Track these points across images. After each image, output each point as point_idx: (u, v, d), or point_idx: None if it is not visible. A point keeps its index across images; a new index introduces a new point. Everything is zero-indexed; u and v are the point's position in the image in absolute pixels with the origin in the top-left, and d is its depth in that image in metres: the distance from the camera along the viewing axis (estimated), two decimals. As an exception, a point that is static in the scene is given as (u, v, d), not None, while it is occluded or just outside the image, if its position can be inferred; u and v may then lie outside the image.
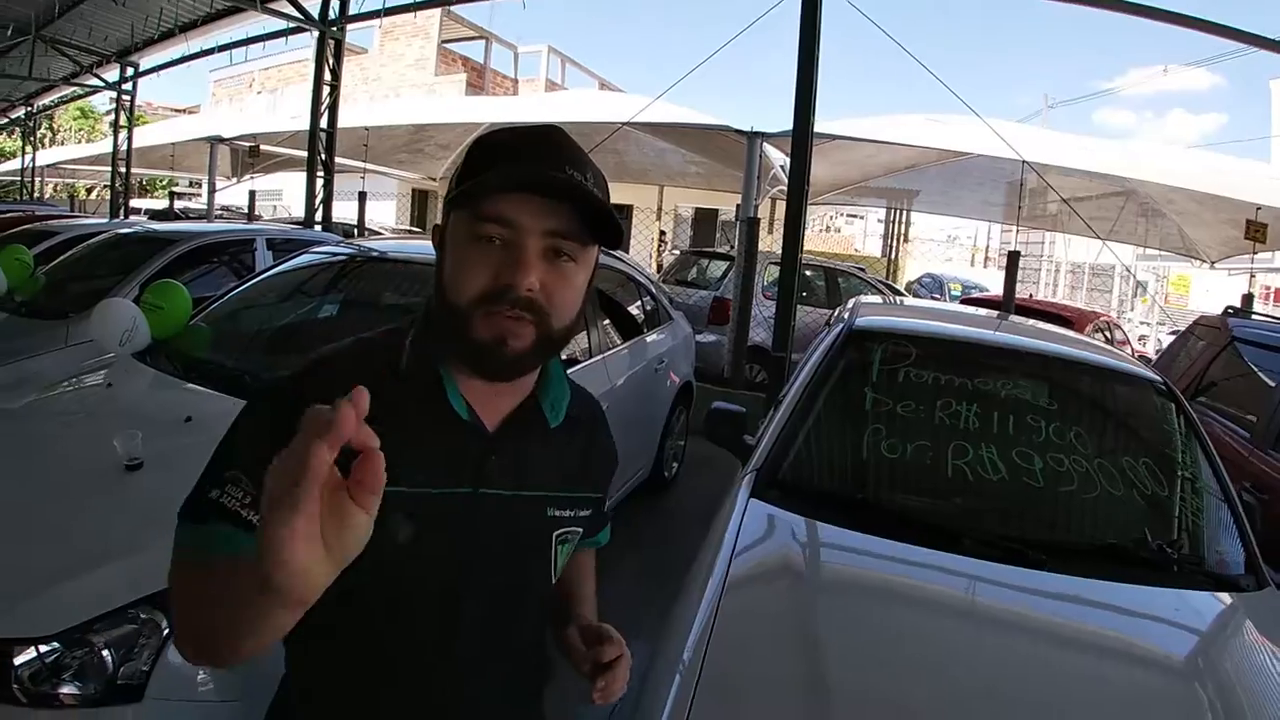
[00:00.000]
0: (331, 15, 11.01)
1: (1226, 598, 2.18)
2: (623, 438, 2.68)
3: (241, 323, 3.67)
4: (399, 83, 23.25)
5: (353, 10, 11.21)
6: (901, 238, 21.22)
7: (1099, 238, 9.79)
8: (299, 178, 12.02)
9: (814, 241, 30.73)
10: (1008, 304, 6.67)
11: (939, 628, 1.99)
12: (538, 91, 23.98)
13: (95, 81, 15.81)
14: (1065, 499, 2.40)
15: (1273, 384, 4.24)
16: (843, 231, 37.44)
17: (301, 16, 10.76)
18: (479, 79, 24.49)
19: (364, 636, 1.02)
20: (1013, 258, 6.47)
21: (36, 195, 20.61)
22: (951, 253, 36.89)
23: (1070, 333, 3.93)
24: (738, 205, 8.61)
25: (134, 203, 19.41)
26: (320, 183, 11.17)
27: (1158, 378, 3.00)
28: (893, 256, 20.75)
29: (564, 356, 1.25)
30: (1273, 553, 3.23)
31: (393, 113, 16.12)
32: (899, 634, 1.93)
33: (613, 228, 0.99)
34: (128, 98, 15.32)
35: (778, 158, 9.87)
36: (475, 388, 1.03)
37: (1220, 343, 4.99)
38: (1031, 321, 4.17)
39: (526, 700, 1.20)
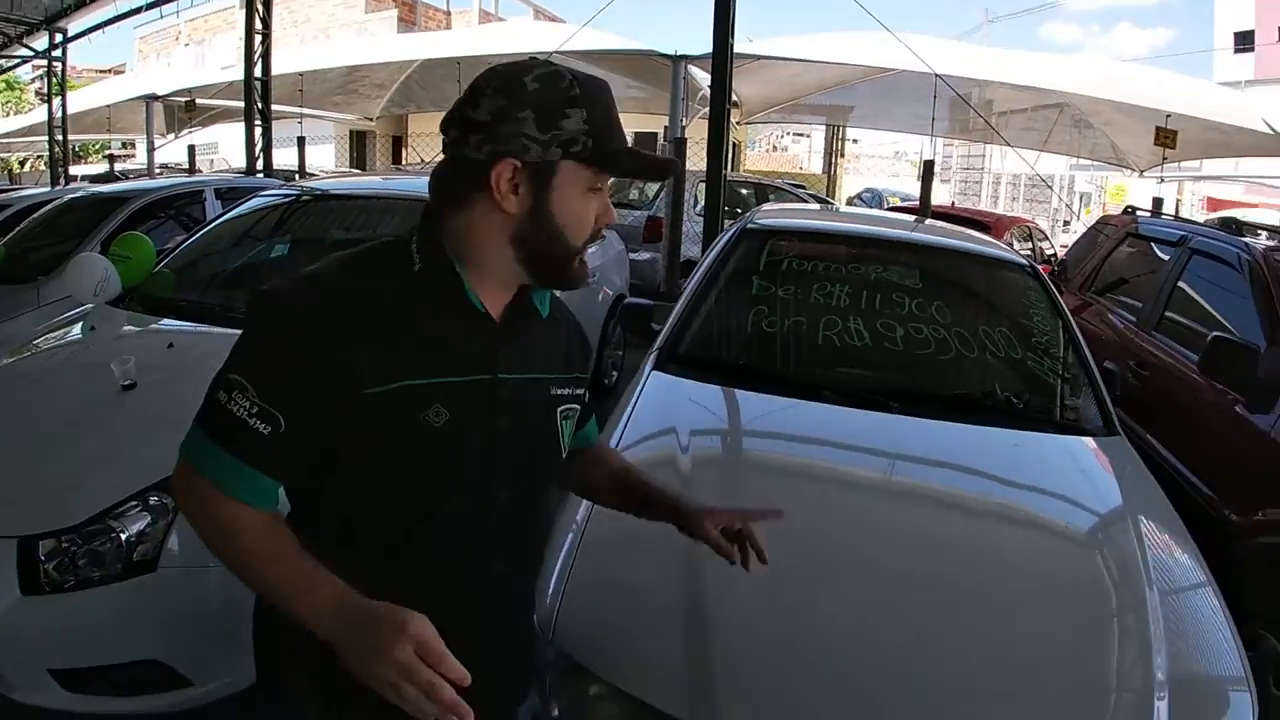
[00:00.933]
0: None
1: (1067, 438, 2.56)
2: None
3: (202, 266, 3.92)
4: (328, 23, 22.77)
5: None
6: (839, 154, 21.46)
7: (1009, 144, 10.09)
8: (236, 129, 11.99)
9: (761, 161, 30.75)
10: (924, 210, 7.07)
11: (799, 459, 2.47)
12: (471, 24, 23.58)
13: (24, 52, 15.52)
14: (922, 359, 2.77)
15: (1157, 273, 4.61)
16: (789, 150, 37.57)
17: None
18: (410, 14, 23.91)
19: (404, 524, 1.11)
20: (928, 167, 6.91)
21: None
22: (898, 168, 37.14)
23: (952, 227, 4.31)
24: (665, 127, 8.86)
25: (72, 169, 19.05)
26: (259, 131, 11.20)
27: (1023, 261, 3.43)
28: (831, 172, 21.08)
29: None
30: (1158, 424, 3.71)
31: (325, 56, 15.82)
32: (765, 466, 2.40)
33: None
34: (59, 65, 14.93)
35: (706, 79, 10.07)
36: (484, 285, 1.13)
37: (1118, 238, 5.38)
38: (929, 221, 4.61)
39: (533, 569, 1.39)
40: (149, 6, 13.47)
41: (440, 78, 14.17)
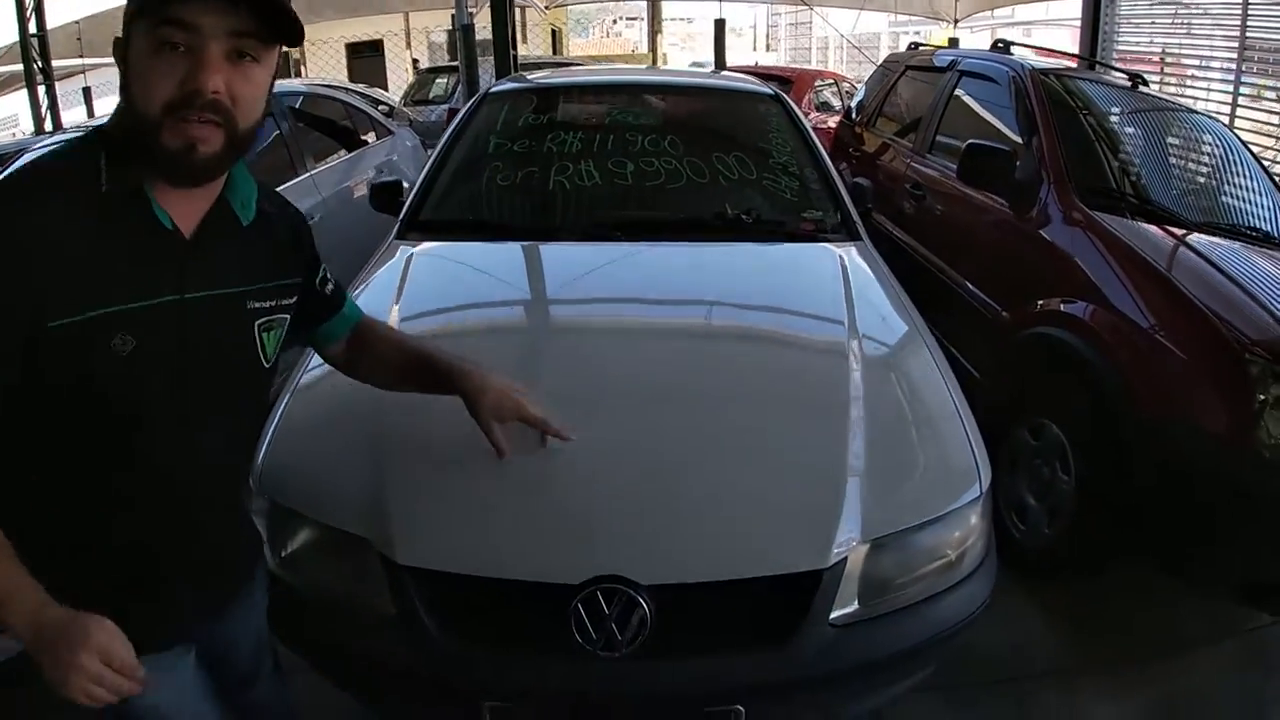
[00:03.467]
0: None
1: (802, 245, 2.62)
2: (346, 243, 2.77)
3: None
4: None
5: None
6: (658, 31, 21.07)
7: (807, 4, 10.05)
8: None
9: (597, 46, 30.15)
10: (719, 67, 6.97)
11: (524, 295, 2.47)
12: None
13: None
14: (651, 191, 2.76)
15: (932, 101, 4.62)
16: (624, 35, 36.97)
17: None
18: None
19: (103, 459, 1.06)
20: (719, 25, 6.75)
21: None
22: (733, 41, 36.96)
23: (701, 71, 4.29)
24: (452, 16, 8.42)
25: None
26: (42, 91, 10.16)
27: (766, 90, 3.42)
28: (651, 50, 20.72)
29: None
30: (934, 241, 3.77)
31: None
32: (490, 304, 2.44)
33: (292, 26, 1.02)
34: None
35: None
36: (171, 197, 1.03)
37: (898, 73, 5.40)
38: (685, 69, 4.49)
39: (241, 485, 1.35)
40: None
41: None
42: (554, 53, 16.39)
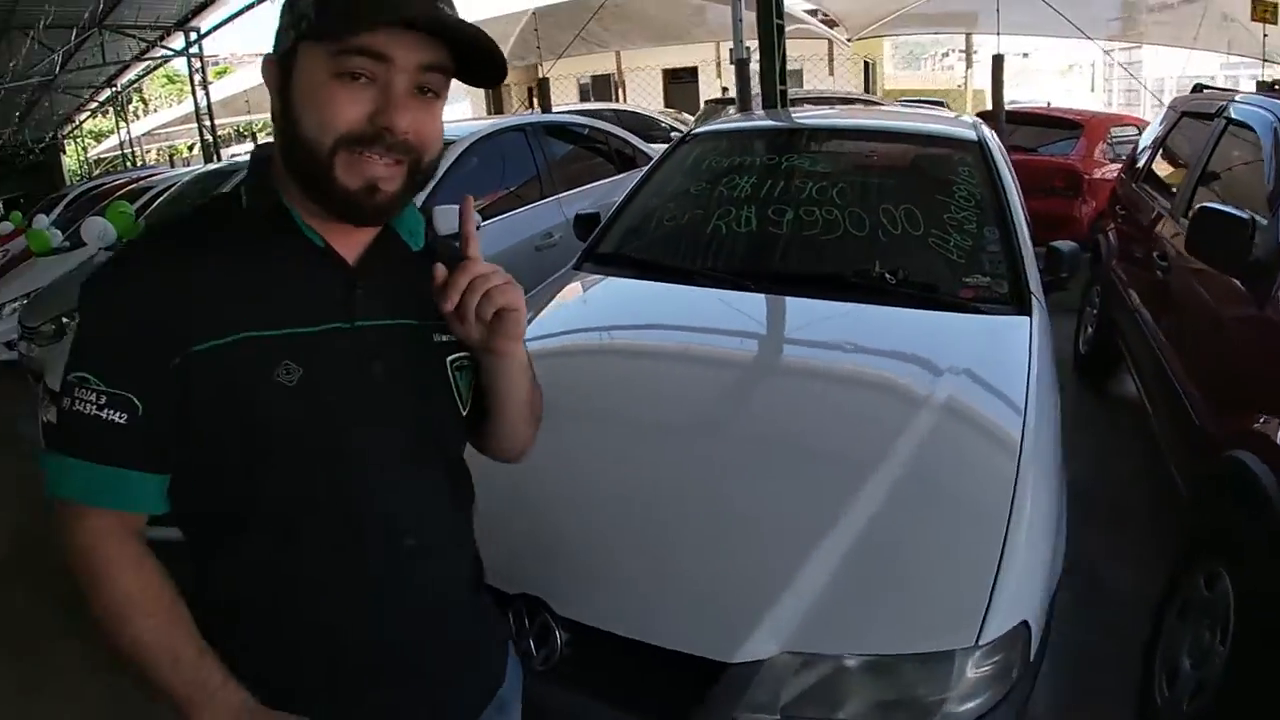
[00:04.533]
0: None
1: (946, 315, 2.39)
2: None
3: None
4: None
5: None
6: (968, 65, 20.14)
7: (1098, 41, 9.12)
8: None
9: (923, 80, 29.31)
10: (996, 110, 6.60)
11: (665, 339, 2.51)
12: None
13: (165, 52, 17.14)
14: (802, 242, 2.71)
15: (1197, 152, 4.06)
16: (955, 69, 35.77)
17: None
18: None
19: (278, 524, 0.95)
20: (996, 61, 6.40)
21: (141, 163, 22.42)
22: (1070, 82, 34.44)
23: (905, 112, 4.09)
24: (737, 45, 8.61)
25: (232, 149, 20.84)
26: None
27: (964, 135, 3.16)
28: (963, 86, 19.84)
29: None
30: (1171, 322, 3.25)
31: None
32: (625, 349, 2.52)
33: (497, 68, 0.96)
34: (198, 60, 16.52)
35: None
36: (321, 217, 0.95)
37: (1174, 120, 4.72)
38: (899, 109, 4.31)
39: (463, 543, 1.14)
40: (258, 2, 14.38)
41: (552, 26, 14.33)
42: (866, 87, 16.11)
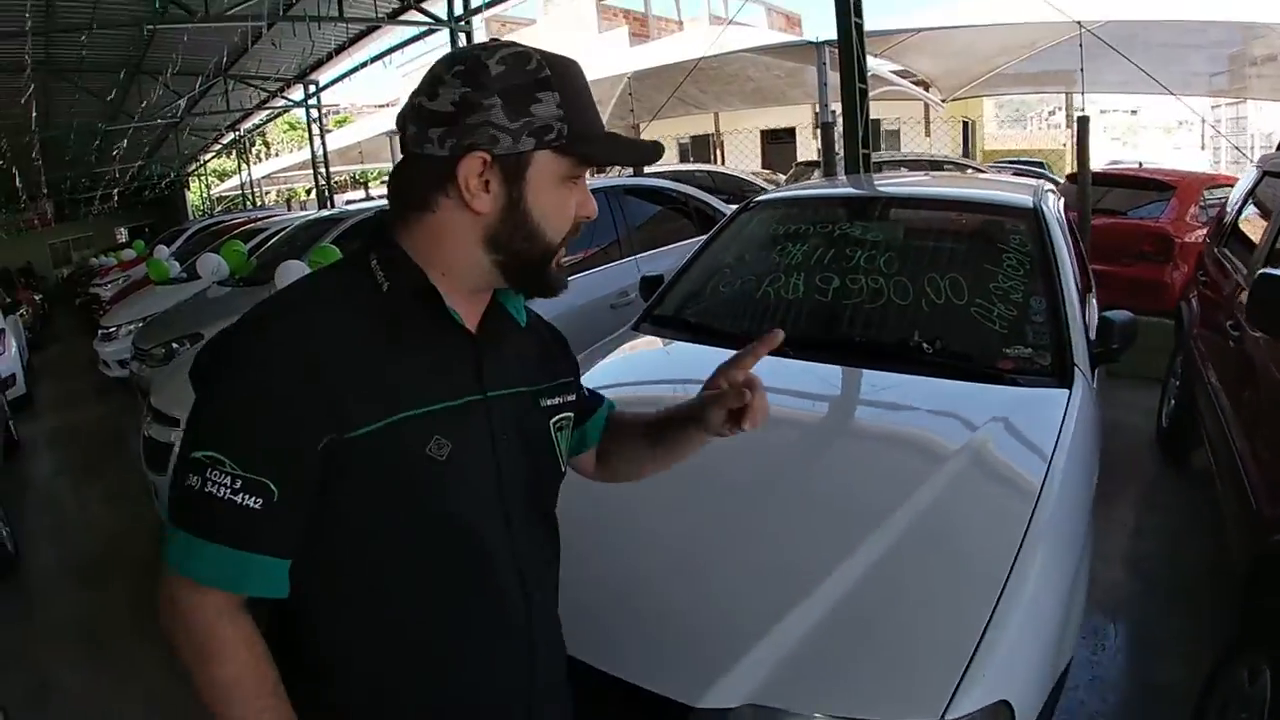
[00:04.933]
0: (457, 12, 12.87)
1: (982, 386, 2.39)
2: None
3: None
4: (564, 48, 24.31)
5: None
6: (1072, 124, 19.70)
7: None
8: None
9: (1028, 139, 28.86)
10: (1082, 175, 6.51)
11: (671, 386, 2.64)
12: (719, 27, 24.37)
13: (285, 102, 18.59)
14: (845, 310, 2.80)
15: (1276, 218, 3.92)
16: (1062, 128, 35.16)
17: (432, 20, 12.78)
18: (642, 27, 24.79)
19: (436, 576, 1.01)
20: (1081, 123, 6.33)
21: (260, 203, 23.87)
22: (1179, 138, 33.34)
23: (963, 178, 4.09)
24: (823, 109, 8.75)
25: (346, 196, 22.06)
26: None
27: (1020, 203, 3.13)
28: (1076, 144, 19.38)
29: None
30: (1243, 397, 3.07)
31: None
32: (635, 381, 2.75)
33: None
34: (315, 111, 17.93)
35: (871, 63, 9.85)
36: (456, 296, 1.02)
37: (1256, 179, 4.52)
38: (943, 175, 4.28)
39: (556, 594, 1.21)
40: (371, 61, 15.55)
41: (650, 87, 14.72)
42: (964, 147, 15.97)
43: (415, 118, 0.98)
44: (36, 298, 17.06)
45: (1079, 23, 7.10)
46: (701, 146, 21.62)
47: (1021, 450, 2.11)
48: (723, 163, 17.73)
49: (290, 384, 0.89)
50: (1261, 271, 2.71)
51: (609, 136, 1.04)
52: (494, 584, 1.05)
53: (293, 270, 7.12)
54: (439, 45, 13.65)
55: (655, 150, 1.09)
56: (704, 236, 5.26)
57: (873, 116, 19.46)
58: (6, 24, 9.01)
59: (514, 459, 1.07)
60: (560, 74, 0.98)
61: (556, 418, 1.17)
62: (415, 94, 0.99)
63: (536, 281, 1.04)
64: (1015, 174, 10.69)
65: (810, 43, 9.36)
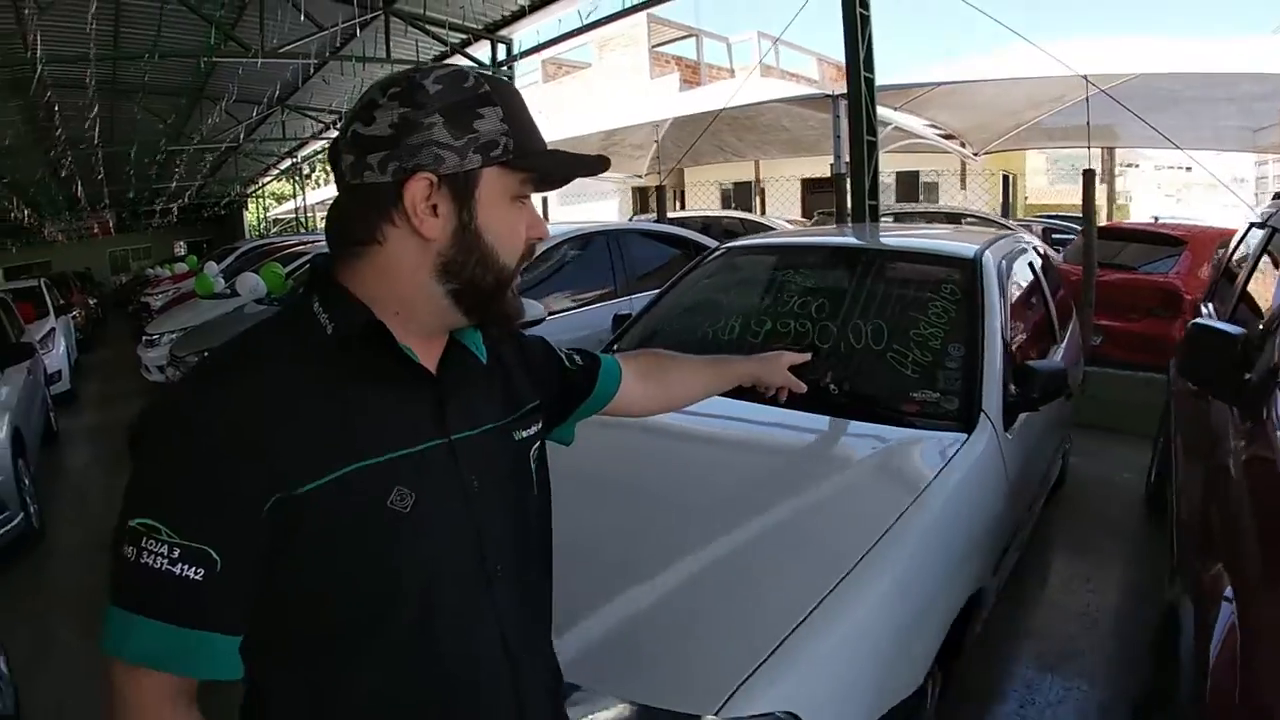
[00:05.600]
0: (500, 58, 13.17)
1: (872, 426, 2.52)
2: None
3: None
4: (617, 93, 24.72)
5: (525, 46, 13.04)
6: (1110, 181, 19.54)
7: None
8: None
9: (1074, 194, 28.61)
10: (1087, 224, 6.54)
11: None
12: (753, 78, 24.55)
13: (337, 134, 19.04)
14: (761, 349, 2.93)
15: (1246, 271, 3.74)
16: (1116, 184, 34.89)
17: (475, 66, 12.93)
18: (694, 75, 25.00)
19: (401, 637, 0.93)
20: (1087, 176, 6.40)
21: (313, 228, 24.66)
22: (1230, 196, 32.62)
23: (921, 229, 4.22)
24: (837, 160, 8.89)
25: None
26: None
27: (961, 254, 3.19)
28: (1111, 198, 19.30)
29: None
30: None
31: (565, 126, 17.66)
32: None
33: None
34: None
35: (889, 115, 10.02)
36: (411, 335, 0.96)
37: (1243, 232, 4.43)
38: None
39: (548, 633, 1.17)
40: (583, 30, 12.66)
41: (689, 134, 15.02)
42: (1004, 202, 15.94)
43: (351, 146, 0.92)
44: (91, 302, 17.76)
45: (1085, 77, 7.12)
46: (744, 193, 21.87)
47: (889, 487, 2.20)
48: (762, 210, 17.91)
49: (230, 442, 0.83)
50: (1194, 321, 2.65)
51: (554, 152, 0.99)
52: (469, 651, 0.98)
53: (248, 281, 8.19)
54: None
55: (600, 163, 1.03)
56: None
57: (912, 169, 19.64)
58: (72, 46, 9.57)
59: (494, 505, 1.01)
60: (499, 90, 0.94)
61: (534, 448, 1.12)
62: (348, 123, 0.94)
63: (493, 311, 0.98)
64: (1035, 230, 10.69)
65: (828, 95, 9.55)
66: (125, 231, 31.72)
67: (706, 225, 10.46)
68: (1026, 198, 21.64)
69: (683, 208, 18.96)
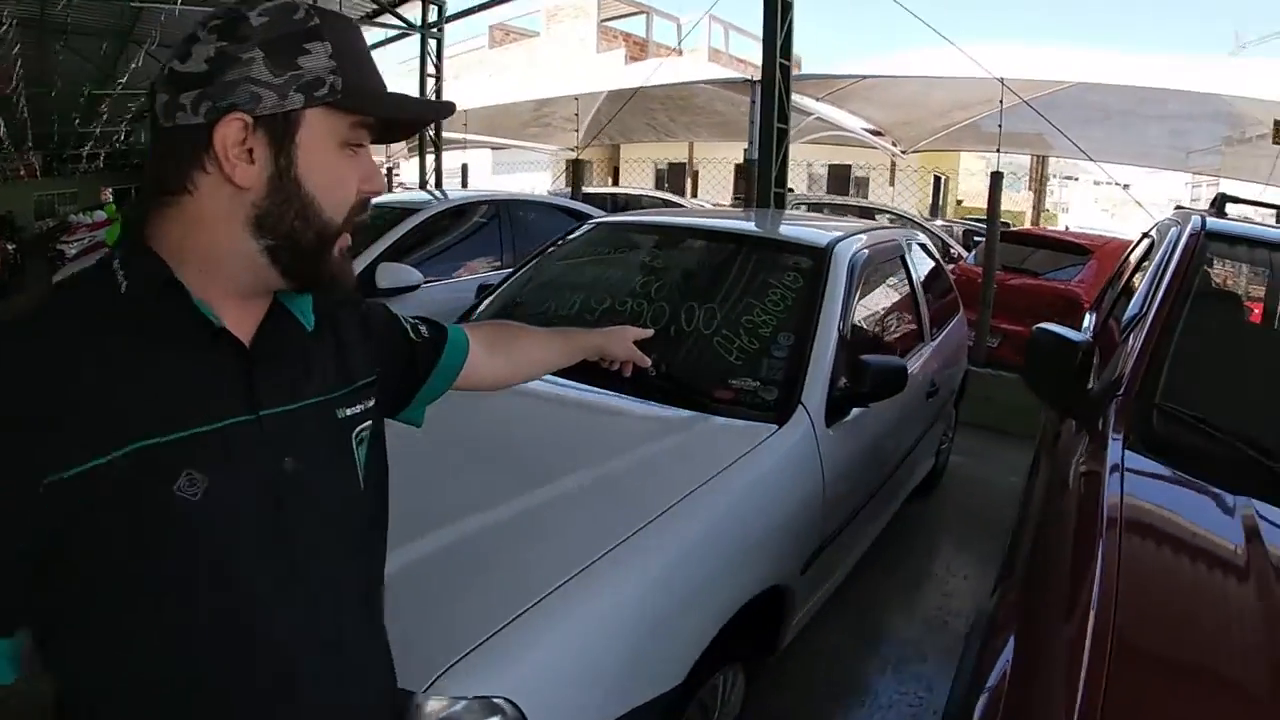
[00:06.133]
0: (430, 19, 13.04)
1: (685, 414, 2.46)
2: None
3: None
4: (563, 64, 24.48)
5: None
6: (1036, 189, 20.00)
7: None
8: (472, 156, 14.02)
9: (1011, 201, 29.20)
10: (990, 228, 6.62)
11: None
12: (700, 61, 24.52)
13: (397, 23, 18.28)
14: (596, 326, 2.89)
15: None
16: (1056, 193, 35.71)
17: (404, 25, 12.98)
18: (641, 52, 24.93)
19: (188, 642, 0.84)
20: (994, 179, 6.47)
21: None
22: (1162, 214, 33.64)
23: (813, 219, 4.20)
24: (750, 145, 8.83)
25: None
26: (431, 158, 13.42)
27: (814, 243, 3.12)
28: (1038, 207, 19.80)
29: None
30: None
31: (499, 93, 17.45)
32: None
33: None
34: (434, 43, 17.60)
35: (811, 104, 10.04)
36: (220, 296, 0.85)
37: (1135, 243, 4.32)
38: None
39: (379, 628, 1.08)
40: None
41: (627, 112, 14.91)
42: (933, 200, 16.09)
43: (165, 84, 0.82)
44: (10, 248, 17.12)
45: (1001, 80, 7.16)
46: (677, 173, 21.82)
47: (676, 474, 2.10)
48: (694, 192, 17.88)
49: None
50: (1037, 326, 2.54)
51: (390, 93, 0.91)
52: (271, 645, 0.88)
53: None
54: (411, 56, 13.67)
55: (444, 107, 0.96)
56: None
57: (844, 162, 19.70)
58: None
59: (304, 489, 0.91)
60: (332, 25, 0.85)
61: (357, 429, 1.00)
62: (168, 60, 0.84)
63: (314, 272, 0.88)
64: (955, 232, 10.83)
65: (748, 80, 9.53)
66: (52, 175, 30.49)
67: (627, 202, 10.36)
68: (960, 200, 21.92)
69: (615, 184, 18.86)
